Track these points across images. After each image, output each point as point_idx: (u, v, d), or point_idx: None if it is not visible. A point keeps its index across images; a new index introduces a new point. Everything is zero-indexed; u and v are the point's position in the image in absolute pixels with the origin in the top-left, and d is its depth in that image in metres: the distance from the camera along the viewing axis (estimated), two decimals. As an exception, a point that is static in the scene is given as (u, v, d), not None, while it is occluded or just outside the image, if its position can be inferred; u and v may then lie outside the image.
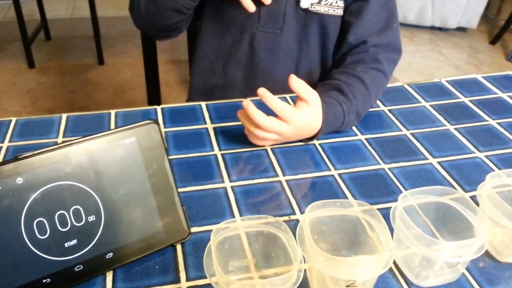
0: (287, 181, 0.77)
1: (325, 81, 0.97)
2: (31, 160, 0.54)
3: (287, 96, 1.00)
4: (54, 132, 0.86)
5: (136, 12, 0.99)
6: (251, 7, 0.92)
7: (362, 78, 0.92)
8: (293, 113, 0.79)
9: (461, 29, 3.60)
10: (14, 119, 0.88)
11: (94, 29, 2.81)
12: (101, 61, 2.90)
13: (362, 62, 0.98)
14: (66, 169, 0.55)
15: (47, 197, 0.54)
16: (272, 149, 0.84)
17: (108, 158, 0.58)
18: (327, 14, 1.00)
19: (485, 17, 3.74)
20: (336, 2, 0.99)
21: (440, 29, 3.59)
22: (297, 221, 0.70)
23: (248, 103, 0.78)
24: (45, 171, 0.54)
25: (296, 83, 0.80)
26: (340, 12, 1.01)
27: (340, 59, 1.04)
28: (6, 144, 0.83)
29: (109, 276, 0.61)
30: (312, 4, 0.99)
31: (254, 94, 0.79)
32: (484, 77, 1.12)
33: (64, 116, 0.90)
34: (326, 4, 0.99)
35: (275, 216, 0.69)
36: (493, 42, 3.45)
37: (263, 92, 0.78)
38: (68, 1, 3.77)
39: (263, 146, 0.85)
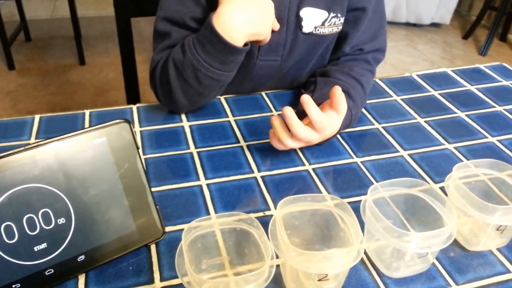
0: (262, 177, 0.78)
1: (325, 77, 0.94)
2: None
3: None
4: (26, 134, 0.85)
5: (174, 105, 0.93)
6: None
7: (361, 81, 0.91)
8: (328, 125, 0.77)
9: (435, 25, 3.68)
10: (-15, 122, 0.88)
11: (75, 29, 2.80)
12: (82, 62, 2.89)
13: (356, 63, 0.97)
14: (33, 171, 0.55)
15: (15, 201, 0.54)
16: (248, 146, 0.85)
17: (77, 159, 0.58)
18: (330, 34, 0.96)
19: (458, 13, 3.84)
20: (339, 20, 0.95)
21: (414, 25, 3.66)
22: (272, 216, 0.70)
23: (291, 112, 0.74)
24: (11, 174, 0.53)
25: (339, 94, 0.76)
26: (341, 26, 0.97)
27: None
28: (-23, 147, 0.81)
29: (82, 279, 0.60)
30: (316, 27, 0.94)
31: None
32: (453, 71, 1.14)
33: (37, 117, 0.89)
34: (330, 25, 0.94)
35: (251, 212, 0.70)
36: (465, 37, 3.53)
37: (307, 99, 0.74)
38: (48, 1, 3.74)
39: (239, 143, 0.85)
